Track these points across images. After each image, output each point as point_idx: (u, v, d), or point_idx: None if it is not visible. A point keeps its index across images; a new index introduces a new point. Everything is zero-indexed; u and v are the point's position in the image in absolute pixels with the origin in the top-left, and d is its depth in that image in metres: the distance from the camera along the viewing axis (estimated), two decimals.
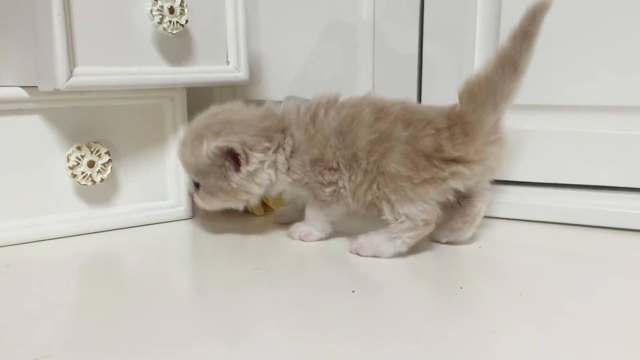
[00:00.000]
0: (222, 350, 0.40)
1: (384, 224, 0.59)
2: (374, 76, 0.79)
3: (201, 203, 0.65)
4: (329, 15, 0.81)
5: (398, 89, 0.77)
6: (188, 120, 0.72)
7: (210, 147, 0.59)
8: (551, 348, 0.39)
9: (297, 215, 0.70)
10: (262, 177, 0.62)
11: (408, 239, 0.57)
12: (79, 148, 0.64)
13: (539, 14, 0.52)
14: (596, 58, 0.66)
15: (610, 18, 0.65)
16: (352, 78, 0.81)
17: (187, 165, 0.63)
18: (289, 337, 0.41)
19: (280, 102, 0.68)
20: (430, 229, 0.58)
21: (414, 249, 0.59)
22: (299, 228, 0.65)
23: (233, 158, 0.60)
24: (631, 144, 0.66)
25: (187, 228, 0.71)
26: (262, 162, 0.61)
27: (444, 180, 0.56)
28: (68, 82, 0.57)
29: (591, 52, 0.66)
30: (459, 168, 0.56)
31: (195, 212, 0.75)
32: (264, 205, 0.77)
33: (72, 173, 0.63)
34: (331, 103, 0.62)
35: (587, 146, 0.67)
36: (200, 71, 0.68)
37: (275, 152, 0.62)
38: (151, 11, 0.61)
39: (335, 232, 0.65)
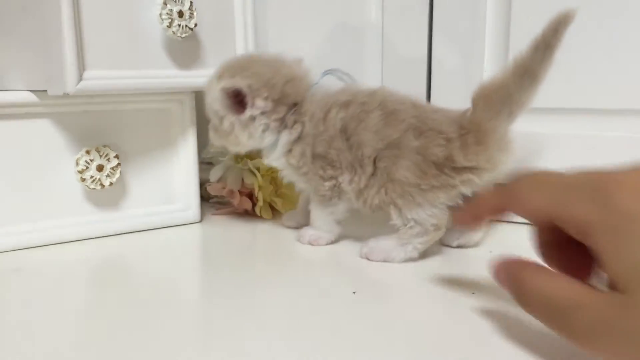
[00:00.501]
0: (231, 355, 0.39)
1: (394, 228, 0.58)
2: (382, 79, 0.79)
3: (210, 137, 0.66)
4: (337, 17, 0.81)
5: (406, 91, 0.77)
6: (199, 124, 0.72)
7: (214, 87, 0.60)
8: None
9: (304, 219, 0.70)
10: (254, 129, 0.61)
11: (419, 244, 0.57)
12: (88, 152, 0.64)
13: (563, 26, 0.51)
14: (607, 61, 0.65)
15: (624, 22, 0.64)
16: (360, 81, 0.81)
17: (207, 100, 0.63)
18: (300, 342, 0.41)
19: None
20: (441, 233, 0.57)
21: (424, 253, 0.59)
22: (307, 232, 0.64)
23: (236, 100, 0.60)
24: None
25: (196, 231, 0.71)
26: (260, 113, 0.60)
27: (453, 187, 0.56)
28: (77, 86, 0.57)
29: (602, 55, 0.66)
30: (469, 176, 0.55)
31: (203, 216, 0.75)
32: (272, 208, 0.77)
33: (81, 177, 0.63)
34: (345, 104, 0.60)
35: (600, 149, 0.67)
36: (209, 75, 0.67)
37: (279, 122, 0.61)
38: (160, 15, 0.61)
39: (344, 236, 0.65)
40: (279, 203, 0.76)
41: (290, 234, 0.68)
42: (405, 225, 0.57)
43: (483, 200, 0.44)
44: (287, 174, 0.65)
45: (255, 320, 0.45)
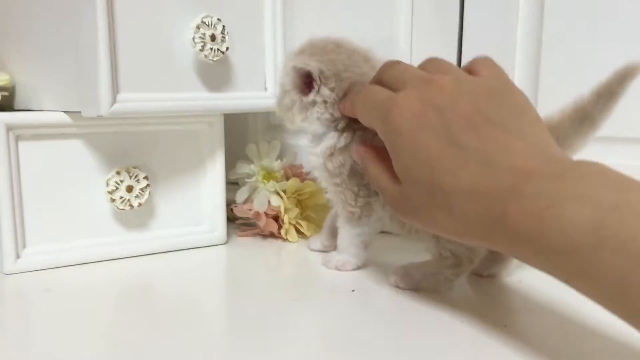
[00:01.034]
0: None
1: (422, 254, 0.58)
2: None
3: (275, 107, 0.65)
4: (366, 37, 0.81)
5: None
6: (225, 146, 0.72)
7: (289, 63, 0.59)
8: None
9: (330, 242, 0.70)
10: (313, 113, 0.60)
11: (452, 275, 0.56)
12: (118, 173, 0.64)
13: (629, 77, 0.50)
14: None
15: None
16: None
17: (282, 73, 0.63)
18: None
19: None
20: (473, 266, 0.57)
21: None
22: (334, 257, 0.64)
23: (304, 81, 0.59)
24: None
25: (221, 253, 0.71)
26: (323, 100, 0.59)
27: None
28: (111, 108, 0.58)
29: None
30: None
31: (229, 237, 0.75)
32: (298, 231, 0.77)
33: (111, 197, 0.64)
34: None
35: None
36: (239, 97, 0.68)
37: (334, 120, 0.59)
38: (193, 39, 0.62)
39: (371, 261, 0.64)
40: (304, 226, 0.76)
41: (315, 258, 0.68)
42: (441, 254, 0.56)
43: (345, 100, 0.58)
44: (320, 175, 0.63)
45: (279, 343, 0.45)
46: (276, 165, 0.77)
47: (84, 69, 0.59)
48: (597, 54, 0.66)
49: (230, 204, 0.78)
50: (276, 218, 0.76)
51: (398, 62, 0.54)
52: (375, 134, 0.53)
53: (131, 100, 0.59)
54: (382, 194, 0.53)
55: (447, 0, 0.75)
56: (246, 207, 0.77)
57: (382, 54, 0.80)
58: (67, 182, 0.63)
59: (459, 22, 0.74)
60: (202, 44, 0.62)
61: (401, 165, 0.47)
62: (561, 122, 0.53)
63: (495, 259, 0.60)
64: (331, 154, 0.60)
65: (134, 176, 0.65)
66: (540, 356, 0.43)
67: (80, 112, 0.60)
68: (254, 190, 0.77)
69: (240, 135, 0.90)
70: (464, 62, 0.74)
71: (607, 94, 0.51)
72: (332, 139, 0.60)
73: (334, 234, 0.67)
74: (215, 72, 0.66)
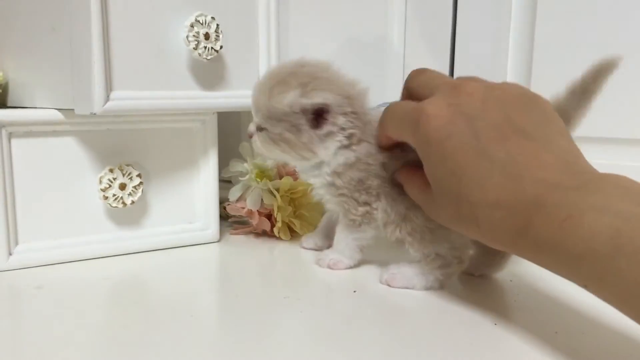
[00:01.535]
0: None
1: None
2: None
3: (260, 147, 0.62)
4: (360, 40, 0.82)
5: None
6: (218, 144, 0.72)
7: (301, 101, 0.57)
8: None
9: (322, 242, 0.70)
10: (329, 143, 0.59)
11: (441, 275, 0.57)
12: (111, 170, 0.64)
13: (604, 73, 0.51)
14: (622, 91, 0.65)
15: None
16: (381, 96, 0.81)
17: (258, 109, 0.60)
18: None
19: None
20: (463, 266, 0.57)
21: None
22: (327, 256, 0.64)
23: (315, 115, 0.58)
24: None
25: (214, 251, 0.71)
26: (340, 128, 0.58)
27: None
28: (105, 106, 0.58)
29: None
30: None
31: (222, 235, 0.75)
32: (290, 230, 0.77)
33: (103, 195, 0.64)
34: None
35: None
36: (233, 96, 0.68)
37: (350, 138, 0.59)
38: (187, 37, 0.62)
39: (364, 261, 0.65)
40: (297, 224, 0.76)
41: (308, 256, 0.68)
42: (427, 257, 0.57)
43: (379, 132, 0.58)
44: (321, 193, 0.63)
45: (271, 341, 0.45)
46: (269, 163, 0.77)
47: (78, 66, 0.59)
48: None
49: (223, 202, 0.79)
50: (269, 216, 0.76)
51: (424, 70, 0.54)
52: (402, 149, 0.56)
53: (124, 98, 0.60)
54: (419, 205, 0.53)
55: (440, 2, 0.75)
56: (239, 205, 0.78)
57: (376, 55, 0.81)
58: (60, 180, 0.63)
59: (452, 23, 0.75)
60: (196, 42, 0.62)
61: (432, 175, 0.48)
62: None
63: (487, 261, 0.61)
64: (341, 172, 0.60)
65: (127, 174, 0.65)
66: (530, 354, 0.44)
67: (73, 109, 0.60)
68: (247, 188, 0.77)
69: (234, 133, 0.90)
70: (456, 62, 0.75)
71: (582, 91, 0.52)
72: (342, 157, 0.59)
73: (328, 234, 0.68)
74: (209, 70, 0.66)
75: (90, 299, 0.55)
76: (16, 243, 0.62)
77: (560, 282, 0.59)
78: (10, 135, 0.60)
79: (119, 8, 0.58)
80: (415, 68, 0.78)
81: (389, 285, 0.57)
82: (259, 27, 0.70)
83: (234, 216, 0.81)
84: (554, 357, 0.43)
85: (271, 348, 0.44)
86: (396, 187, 0.58)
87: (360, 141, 0.59)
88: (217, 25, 0.64)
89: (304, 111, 0.57)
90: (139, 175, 0.66)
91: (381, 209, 0.59)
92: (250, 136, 0.63)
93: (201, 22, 0.63)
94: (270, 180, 0.76)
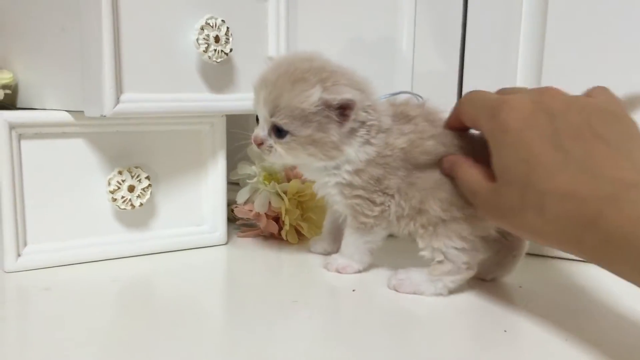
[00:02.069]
0: None
1: (424, 260, 0.58)
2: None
3: (279, 154, 0.58)
4: (369, 41, 0.81)
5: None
6: (226, 146, 0.72)
7: (329, 97, 0.55)
8: None
9: (330, 246, 0.70)
10: (355, 138, 0.57)
11: (450, 282, 0.56)
12: (120, 172, 0.64)
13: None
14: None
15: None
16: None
17: (277, 109, 0.56)
18: None
19: None
20: (472, 273, 0.57)
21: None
22: (336, 260, 0.63)
23: (341, 111, 0.56)
24: None
25: (222, 254, 0.71)
26: (362, 122, 0.57)
27: (483, 219, 0.55)
28: (115, 108, 0.58)
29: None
30: None
31: (229, 238, 0.75)
32: (298, 232, 0.77)
33: (112, 197, 0.64)
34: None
35: None
36: (242, 98, 0.68)
37: (369, 134, 0.57)
38: (197, 40, 0.62)
39: (372, 265, 0.64)
40: (305, 227, 0.76)
41: (315, 259, 0.68)
42: (434, 258, 0.56)
43: (450, 115, 0.58)
44: (333, 192, 0.61)
45: (279, 346, 0.45)
46: (277, 166, 0.77)
47: (88, 68, 0.59)
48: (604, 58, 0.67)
49: (231, 204, 0.78)
50: (277, 219, 0.76)
51: (478, 91, 0.54)
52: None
53: (134, 100, 0.59)
54: (472, 197, 0.52)
55: (450, 1, 0.75)
56: (247, 208, 0.77)
57: (385, 56, 0.80)
58: (69, 181, 0.64)
59: (461, 22, 0.75)
60: (206, 45, 0.62)
61: (501, 162, 0.48)
62: None
63: (500, 262, 0.61)
64: (362, 169, 0.58)
65: (135, 176, 0.65)
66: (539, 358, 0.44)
67: (83, 111, 0.60)
68: (255, 191, 0.77)
69: (242, 136, 0.90)
70: (466, 63, 0.75)
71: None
72: (364, 153, 0.58)
73: (336, 237, 0.67)
74: (219, 73, 0.66)
75: (98, 300, 0.55)
76: (25, 244, 0.62)
77: (570, 289, 0.59)
78: (20, 137, 0.60)
79: (129, 10, 0.58)
80: (423, 69, 0.78)
81: (396, 291, 0.57)
82: (269, 30, 0.70)
83: (242, 219, 0.80)
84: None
85: (278, 353, 0.44)
86: (412, 182, 0.58)
87: (378, 133, 0.58)
88: (227, 28, 0.64)
89: (330, 108, 0.56)
90: (147, 178, 0.66)
91: (394, 204, 0.59)
92: (260, 143, 0.59)
93: (211, 25, 0.63)
94: (279, 183, 0.76)
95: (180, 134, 0.69)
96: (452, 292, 0.57)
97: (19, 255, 0.61)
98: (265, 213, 0.76)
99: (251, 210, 0.77)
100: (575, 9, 0.67)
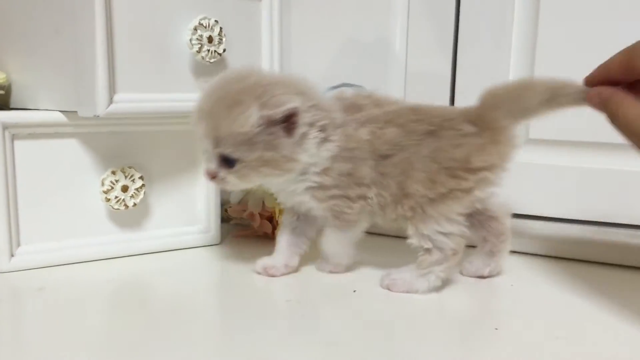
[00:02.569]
0: None
1: (412, 256, 0.58)
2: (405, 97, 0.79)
3: (233, 183, 0.57)
4: (362, 42, 0.82)
5: None
6: None
7: (267, 113, 0.53)
8: None
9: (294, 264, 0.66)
10: (309, 143, 0.56)
11: (440, 272, 0.57)
12: (113, 172, 0.64)
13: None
14: None
15: None
16: None
17: (220, 139, 0.54)
18: None
19: None
20: (459, 257, 0.57)
21: (445, 284, 0.58)
22: (326, 266, 0.64)
23: (286, 122, 0.54)
24: None
25: (215, 253, 0.71)
26: (310, 125, 0.55)
27: (467, 191, 0.56)
28: (108, 108, 0.58)
29: None
30: (485, 174, 0.56)
31: (223, 238, 0.76)
32: None
33: (106, 197, 0.64)
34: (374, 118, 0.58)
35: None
36: None
37: (322, 131, 0.56)
38: (190, 40, 0.62)
39: (362, 262, 0.65)
40: None
41: (309, 259, 0.68)
42: (422, 246, 0.56)
43: (608, 64, 0.48)
44: (306, 199, 0.59)
45: (272, 345, 0.45)
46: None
47: (81, 69, 0.59)
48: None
49: (224, 204, 0.79)
50: (270, 219, 0.76)
51: None
52: None
53: (128, 100, 0.60)
54: (633, 137, 0.46)
55: (443, 3, 0.75)
56: (240, 207, 0.78)
57: (378, 56, 0.81)
58: (63, 181, 0.64)
59: (454, 24, 0.75)
60: (199, 45, 0.62)
61: None
62: (527, 92, 0.54)
63: (490, 251, 0.61)
64: (329, 167, 0.57)
65: (129, 176, 0.65)
66: (530, 357, 0.44)
67: (76, 111, 0.60)
68: (248, 191, 0.78)
69: None
70: (458, 63, 0.75)
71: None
72: (324, 152, 0.57)
73: (293, 252, 0.64)
74: (212, 73, 0.66)
75: (91, 300, 0.55)
76: (18, 244, 0.62)
77: (561, 288, 0.60)
78: (13, 137, 0.60)
79: (122, 11, 0.59)
80: (416, 69, 0.78)
81: (389, 290, 0.57)
82: (262, 30, 0.70)
83: (236, 219, 0.81)
84: None
85: (271, 351, 0.44)
86: (383, 172, 0.57)
87: (335, 128, 0.57)
88: (221, 28, 0.64)
89: (274, 123, 0.53)
90: (141, 178, 0.66)
91: (375, 195, 0.58)
92: (213, 177, 0.57)
93: (205, 25, 0.63)
94: None
95: (174, 134, 0.69)
96: (443, 281, 0.57)
97: (12, 255, 0.61)
98: (258, 213, 0.76)
99: (245, 210, 0.77)
100: (567, 9, 0.68)
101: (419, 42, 0.78)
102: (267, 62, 0.71)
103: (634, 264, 0.67)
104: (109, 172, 0.64)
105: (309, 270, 0.65)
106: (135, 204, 0.66)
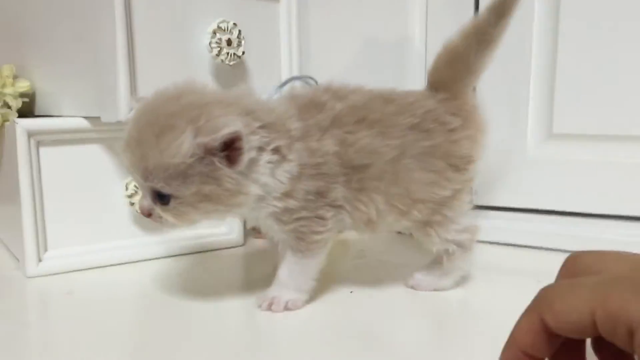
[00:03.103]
0: None
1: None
2: None
3: (170, 223, 0.48)
4: (382, 42, 0.81)
5: None
6: None
7: (202, 141, 0.44)
8: None
9: None
10: (259, 171, 0.47)
11: (463, 264, 0.56)
12: None
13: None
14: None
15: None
16: None
17: (148, 172, 0.45)
18: None
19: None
20: (474, 242, 0.57)
21: (470, 280, 0.58)
22: (282, 297, 0.52)
23: (227, 150, 0.45)
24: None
25: (239, 255, 0.72)
26: (259, 148, 0.46)
27: (470, 180, 0.55)
28: (130, 113, 0.58)
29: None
30: (473, 165, 0.55)
31: (246, 239, 0.76)
32: None
33: (130, 201, 0.65)
34: (340, 117, 0.51)
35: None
36: None
37: (276, 152, 0.47)
38: (210, 43, 0.63)
39: (382, 262, 0.64)
40: None
41: (331, 259, 0.68)
42: (447, 249, 0.55)
43: (515, 334, 0.34)
44: (269, 224, 0.51)
45: (295, 346, 0.45)
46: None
47: (103, 75, 0.59)
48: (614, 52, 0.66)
49: None
50: None
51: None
52: None
53: None
54: None
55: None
56: None
57: (397, 55, 0.80)
58: (88, 187, 0.64)
59: (473, 16, 0.74)
60: (219, 48, 0.63)
61: None
62: (463, 48, 0.53)
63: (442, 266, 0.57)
64: (292, 189, 0.49)
65: None
66: None
67: (99, 117, 0.61)
68: None
69: None
70: None
71: (501, 10, 0.51)
72: (282, 175, 0.48)
73: None
74: (232, 75, 0.66)
75: (119, 303, 0.56)
76: (45, 249, 0.63)
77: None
78: (38, 144, 0.61)
79: (142, 17, 0.59)
80: None
81: (415, 289, 0.57)
82: (280, 31, 0.71)
83: None
84: None
85: (296, 353, 0.44)
86: (360, 187, 0.51)
87: (292, 144, 0.48)
88: (239, 31, 0.64)
89: (211, 151, 0.44)
90: None
91: (347, 215, 0.52)
92: (148, 215, 0.49)
93: (223, 28, 0.63)
94: None
95: None
96: (466, 272, 0.58)
97: (40, 260, 0.62)
98: None
99: None
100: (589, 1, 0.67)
101: (439, 37, 0.77)
102: (287, 63, 0.71)
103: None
104: None
105: (333, 270, 0.65)
106: None
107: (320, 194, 0.49)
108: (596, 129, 0.68)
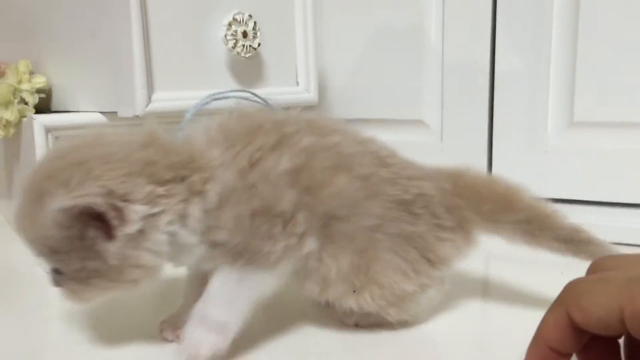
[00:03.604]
0: None
1: None
2: (442, 97, 0.78)
3: (72, 298, 0.40)
4: (397, 33, 0.81)
5: (468, 110, 0.76)
6: None
7: (52, 212, 0.36)
8: None
9: None
10: (157, 239, 0.38)
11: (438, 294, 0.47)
12: None
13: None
14: None
15: None
16: (418, 98, 0.80)
17: (31, 242, 0.39)
18: None
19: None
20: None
21: (489, 273, 0.57)
22: (205, 338, 0.40)
23: (99, 220, 0.36)
24: None
25: None
26: (150, 216, 0.37)
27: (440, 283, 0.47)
28: (147, 108, 0.58)
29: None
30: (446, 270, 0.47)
31: None
32: None
33: None
34: (282, 140, 0.42)
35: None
36: (272, 92, 0.68)
37: (183, 201, 0.38)
38: (225, 36, 0.62)
39: None
40: None
41: None
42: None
43: (542, 329, 0.33)
44: (201, 263, 0.41)
45: (306, 346, 0.45)
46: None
47: (119, 69, 0.59)
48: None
49: None
50: None
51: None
52: None
53: (166, 99, 0.60)
54: None
55: None
56: None
57: (413, 47, 0.79)
58: None
59: (492, 11, 0.73)
60: (234, 41, 0.63)
61: None
62: (518, 206, 0.47)
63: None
64: (211, 226, 0.39)
65: None
66: None
67: (116, 112, 0.61)
68: None
69: None
70: (497, 53, 0.74)
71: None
72: (193, 210, 0.39)
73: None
74: (247, 68, 0.66)
75: (136, 299, 0.56)
76: None
77: None
78: (55, 139, 0.61)
79: (157, 11, 0.59)
80: (454, 58, 0.77)
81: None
82: (296, 23, 0.70)
83: None
84: None
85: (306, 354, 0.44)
86: (330, 234, 0.42)
87: (210, 175, 0.39)
88: (255, 23, 0.64)
89: (82, 221, 0.36)
90: None
91: (312, 245, 0.42)
92: (58, 286, 0.40)
93: (239, 20, 0.63)
94: None
95: None
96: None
97: None
98: None
99: None
100: None
101: (456, 30, 0.76)
102: (302, 54, 0.70)
103: None
104: None
105: None
106: None
107: (257, 214, 0.39)
108: (618, 117, 0.67)
